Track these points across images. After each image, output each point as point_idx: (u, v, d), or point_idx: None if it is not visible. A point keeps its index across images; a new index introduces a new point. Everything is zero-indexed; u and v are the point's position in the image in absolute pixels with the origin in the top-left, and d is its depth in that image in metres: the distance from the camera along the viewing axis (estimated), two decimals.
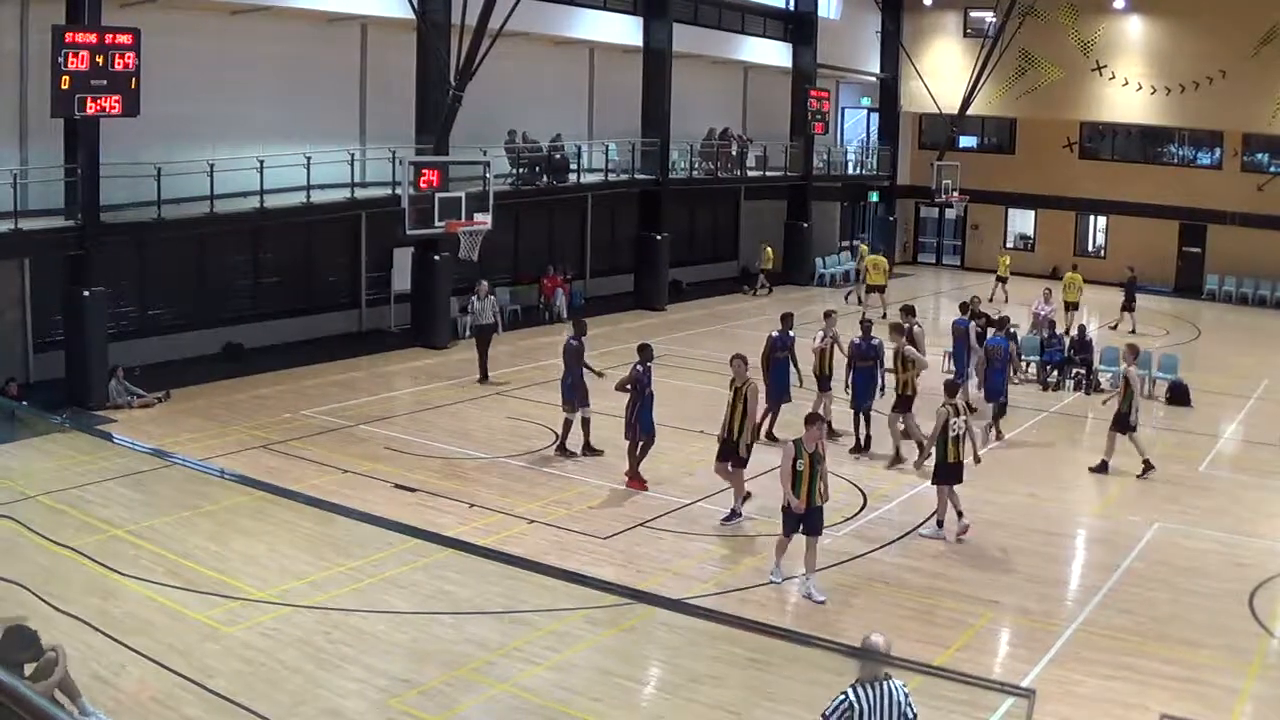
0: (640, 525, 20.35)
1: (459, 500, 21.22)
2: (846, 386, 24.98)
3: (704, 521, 20.69)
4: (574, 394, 24.01)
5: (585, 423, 24.10)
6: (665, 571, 18.38)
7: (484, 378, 30.89)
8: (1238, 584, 18.63)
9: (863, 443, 25.00)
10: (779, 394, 25.37)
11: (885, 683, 9.98)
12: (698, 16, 48.16)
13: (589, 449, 24.14)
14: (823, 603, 17.11)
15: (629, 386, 22.25)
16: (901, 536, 20.42)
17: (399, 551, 18.08)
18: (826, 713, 10.00)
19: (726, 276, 52.68)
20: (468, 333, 33.38)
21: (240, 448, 24.05)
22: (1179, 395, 31.21)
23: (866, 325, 25.81)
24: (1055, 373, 32.53)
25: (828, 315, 26.97)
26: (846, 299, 46.09)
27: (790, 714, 13.65)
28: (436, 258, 34.56)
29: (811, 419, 17.86)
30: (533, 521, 20.32)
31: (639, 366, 22.29)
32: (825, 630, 15.54)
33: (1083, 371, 32.27)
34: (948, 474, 20.23)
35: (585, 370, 24.41)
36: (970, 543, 19.76)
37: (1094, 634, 16.55)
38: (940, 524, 20.29)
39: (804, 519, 17.40)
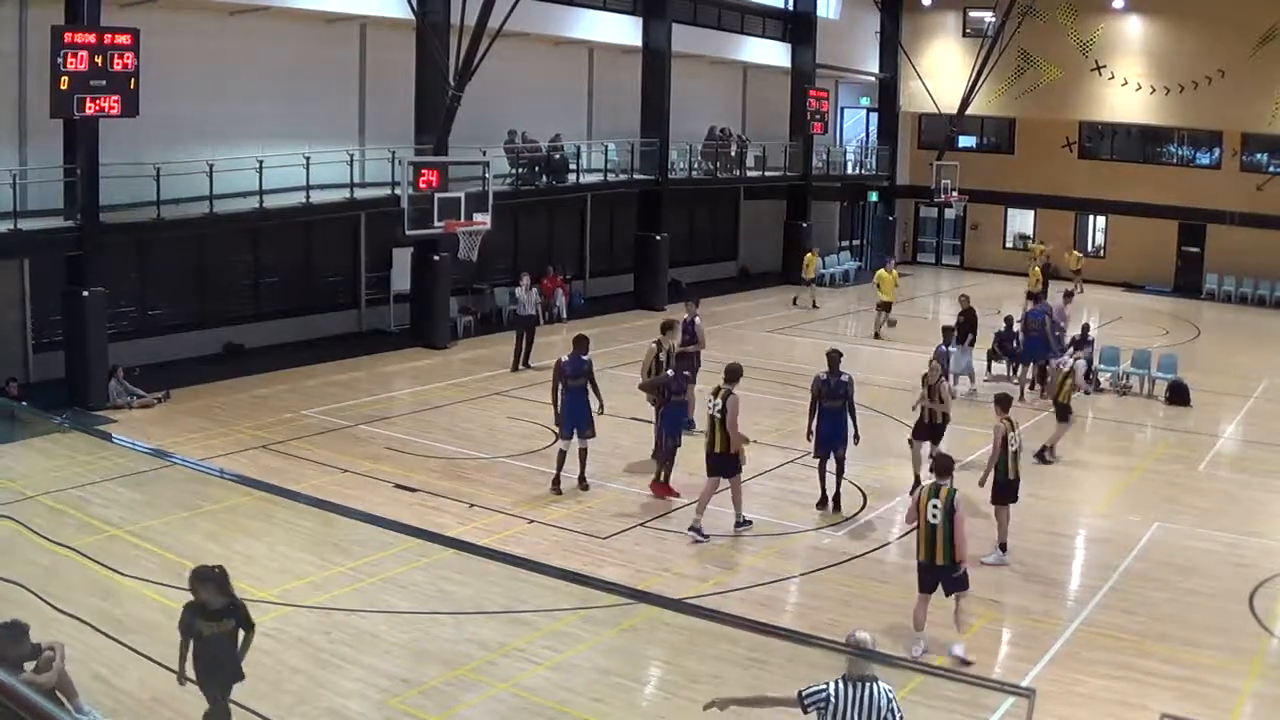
0: (640, 525, 20.38)
1: (459, 500, 21.25)
2: (809, 433, 21.33)
3: (705, 523, 20.63)
4: (568, 420, 22.04)
5: (582, 453, 22.19)
6: (665, 572, 18.41)
7: (518, 366, 32.06)
8: (1238, 584, 18.68)
9: (830, 498, 21.47)
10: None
11: (872, 684, 9.90)
12: (697, 16, 48.18)
13: (583, 481, 22.28)
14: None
15: (664, 393, 22.29)
16: (902, 536, 20.42)
17: (399, 551, 18.09)
18: (803, 691, 10.03)
19: (726, 276, 52.74)
20: (509, 322, 34.23)
21: (240, 448, 24.06)
22: (1179, 395, 31.22)
23: (835, 358, 21.56)
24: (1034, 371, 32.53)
25: (667, 327, 25.29)
26: (798, 303, 46.09)
27: (790, 714, 13.60)
28: (436, 258, 34.56)
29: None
30: (533, 521, 20.34)
31: (668, 372, 22.53)
32: (825, 630, 15.52)
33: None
34: (1007, 492, 19.45)
35: (589, 394, 22.23)
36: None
37: (1094, 634, 16.58)
38: (1004, 548, 19.30)
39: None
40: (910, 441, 23.12)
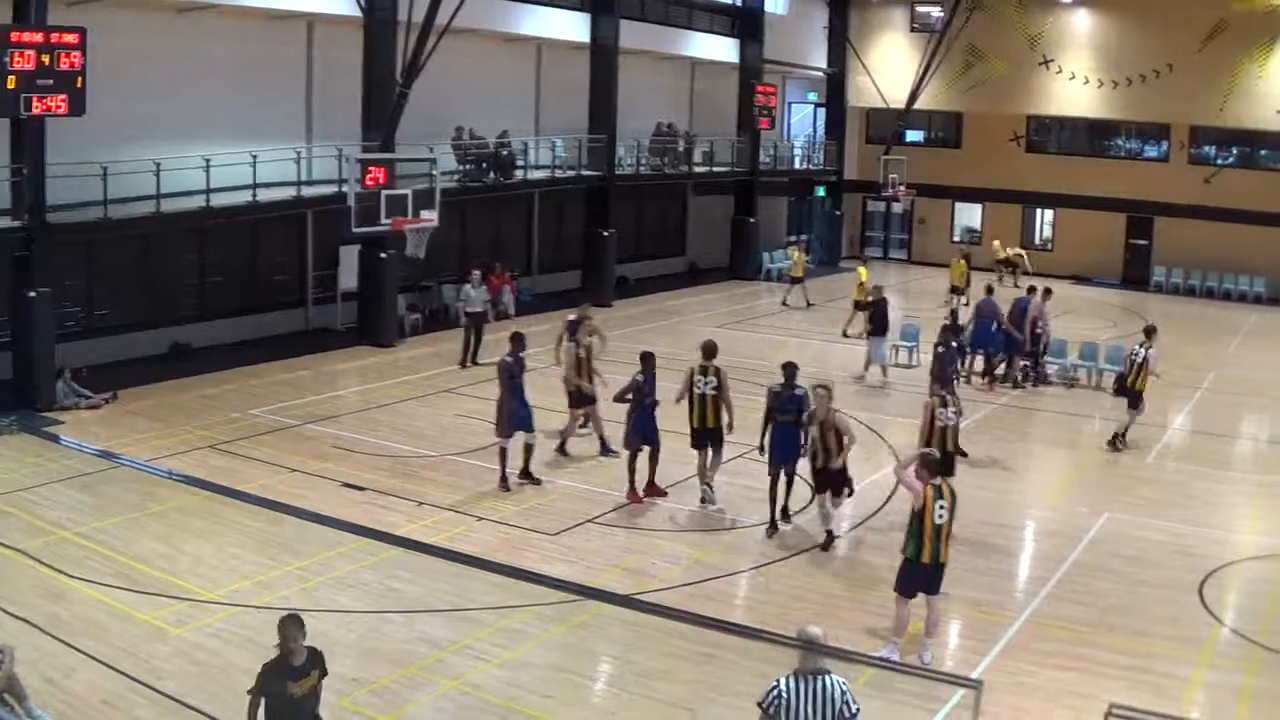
0: (590, 521, 20.42)
1: (408, 498, 21.25)
2: (761, 448, 20.36)
3: (653, 517, 20.77)
4: (508, 418, 22.14)
5: (528, 448, 22.39)
6: (615, 568, 18.46)
7: (466, 363, 32.25)
8: (1188, 574, 18.90)
9: (779, 515, 20.45)
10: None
11: (823, 677, 9.95)
12: (645, 13, 48.26)
13: (527, 475, 22.41)
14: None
15: (629, 396, 21.92)
16: (853, 529, 20.58)
17: (348, 550, 18.12)
18: (760, 701, 10.04)
19: (674, 272, 52.80)
20: (460, 318, 34.06)
21: (188, 448, 23.96)
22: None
23: (790, 371, 20.61)
24: (1003, 366, 32.75)
25: (581, 322, 25.51)
26: (787, 303, 46.14)
27: (741, 708, 13.68)
28: (383, 255, 34.51)
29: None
30: (482, 519, 20.36)
31: (638, 376, 22.01)
32: (776, 624, 15.59)
33: (1029, 365, 32.45)
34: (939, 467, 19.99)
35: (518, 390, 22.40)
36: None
37: (1045, 625, 16.77)
38: None
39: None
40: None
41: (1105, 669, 15.34)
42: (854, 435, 19.84)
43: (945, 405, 20.79)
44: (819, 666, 9.98)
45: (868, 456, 24.29)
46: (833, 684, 9.95)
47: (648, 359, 22.17)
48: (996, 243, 54.19)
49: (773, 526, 20.30)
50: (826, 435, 19.44)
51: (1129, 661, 15.61)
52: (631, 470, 21.78)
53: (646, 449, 21.83)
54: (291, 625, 10.65)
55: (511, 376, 22.02)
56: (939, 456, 16.27)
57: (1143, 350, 26.12)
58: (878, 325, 32.54)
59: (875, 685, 13.72)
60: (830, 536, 19.66)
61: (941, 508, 15.09)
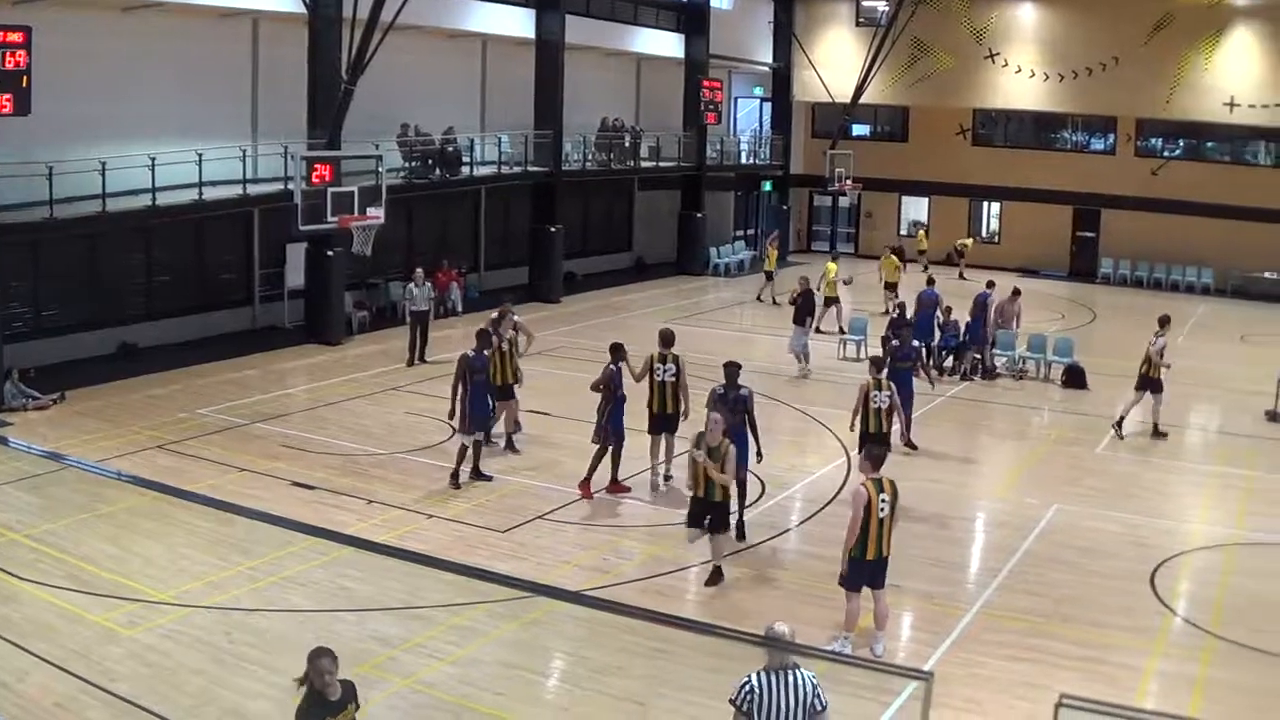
0: (540, 518, 20.49)
1: (358, 497, 21.24)
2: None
3: (604, 513, 20.85)
4: (469, 414, 22.15)
5: (477, 445, 22.40)
6: (566, 564, 18.53)
7: (413, 361, 32.19)
8: (1139, 564, 19.13)
9: (734, 526, 19.30)
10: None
11: (793, 671, 10.08)
12: (590, 8, 48.32)
13: (478, 474, 22.46)
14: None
15: (601, 387, 21.98)
16: (803, 522, 20.72)
17: (298, 550, 18.09)
18: (733, 698, 10.13)
19: (621, 268, 52.86)
20: (405, 317, 34.00)
21: (136, 448, 23.87)
22: (1075, 378, 31.86)
23: (733, 371, 20.19)
24: (950, 358, 33.00)
25: (503, 317, 25.49)
26: (762, 299, 46.10)
27: (694, 702, 13.83)
28: (330, 253, 34.44)
29: None
30: (432, 516, 20.38)
31: (612, 366, 22.08)
32: (728, 619, 15.70)
33: (978, 357, 32.69)
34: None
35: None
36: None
37: (997, 616, 16.94)
38: None
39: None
40: None
41: (1058, 659, 15.50)
42: (733, 474, 17.91)
43: (880, 388, 21.58)
44: (789, 661, 10.09)
45: (818, 448, 24.47)
46: (803, 678, 10.10)
47: (618, 349, 22.38)
48: (921, 235, 55.25)
49: (740, 532, 19.58)
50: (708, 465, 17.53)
51: (1082, 652, 15.78)
52: (596, 465, 21.88)
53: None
54: (324, 659, 9.83)
55: (473, 372, 22.09)
56: (880, 450, 16.35)
57: (1159, 340, 26.94)
58: (799, 316, 32.72)
59: (828, 679, 13.66)
60: (717, 573, 18.05)
61: (884, 502, 15.25)
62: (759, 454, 20.14)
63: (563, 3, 44.25)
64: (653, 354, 21.98)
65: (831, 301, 38.79)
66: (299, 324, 36.16)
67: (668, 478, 22.50)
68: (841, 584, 15.72)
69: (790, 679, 10.05)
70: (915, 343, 29.62)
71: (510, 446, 24.41)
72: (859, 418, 21.64)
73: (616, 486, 22.00)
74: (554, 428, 25.67)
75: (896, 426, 23.23)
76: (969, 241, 54.80)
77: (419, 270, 33.81)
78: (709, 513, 17.62)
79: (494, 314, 25.78)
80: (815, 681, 10.16)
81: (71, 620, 15.67)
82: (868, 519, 15.18)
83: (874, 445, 16.63)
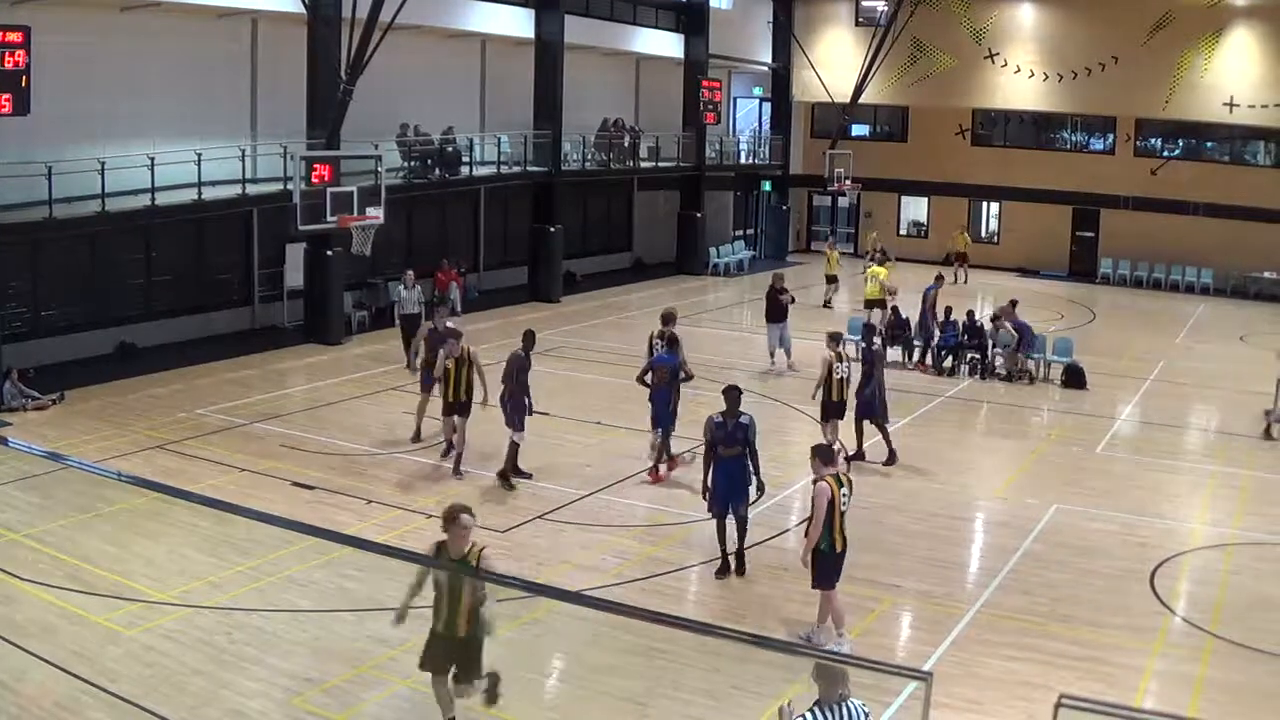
0: (539, 518, 20.49)
1: (357, 497, 21.26)
2: (705, 489, 18.33)
3: (604, 513, 20.85)
4: (514, 414, 22.26)
5: (514, 446, 22.32)
6: (565, 564, 18.53)
7: (412, 364, 31.25)
8: (1138, 564, 19.14)
9: (731, 555, 18.37)
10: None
11: (846, 704, 9.89)
12: (590, 8, 48.34)
13: (517, 472, 22.42)
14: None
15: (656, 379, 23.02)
16: (801, 523, 20.66)
17: (298, 550, 18.09)
18: None
19: (621, 268, 52.87)
20: (396, 321, 33.62)
21: (136, 448, 23.87)
22: (1075, 378, 31.82)
23: (733, 397, 18.46)
24: (950, 358, 33.01)
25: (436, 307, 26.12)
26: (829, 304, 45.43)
27: (694, 702, 13.84)
28: (329, 253, 34.43)
29: None
30: (431, 516, 20.30)
31: (667, 357, 23.31)
32: (727, 620, 15.74)
33: (977, 357, 32.71)
34: (832, 411, 23.52)
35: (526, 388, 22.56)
36: (883, 524, 19.93)
37: (996, 616, 16.93)
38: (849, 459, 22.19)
39: None
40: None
41: (1057, 659, 15.51)
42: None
43: (841, 360, 23.42)
44: (841, 694, 9.90)
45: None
46: (855, 709, 9.92)
47: (674, 341, 23.97)
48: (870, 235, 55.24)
49: (724, 567, 18.33)
50: None
51: (1081, 652, 15.79)
52: (665, 450, 22.96)
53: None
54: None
55: (521, 371, 22.33)
56: (827, 446, 16.45)
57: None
58: (770, 313, 32.77)
59: None
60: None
61: (845, 496, 15.45)
62: (760, 487, 18.47)
63: (562, 3, 44.27)
64: (653, 332, 23.97)
65: (874, 304, 36.85)
66: (298, 324, 36.16)
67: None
68: (816, 586, 15.76)
69: (843, 712, 9.85)
70: (916, 342, 29.73)
71: (456, 470, 23.03)
72: (821, 389, 23.57)
73: (672, 463, 23.10)
74: (554, 428, 25.65)
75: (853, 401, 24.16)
76: (964, 236, 54.39)
77: (409, 273, 33.03)
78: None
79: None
80: (866, 711, 10.01)
81: (72, 620, 15.67)
82: (831, 514, 15.29)
83: (820, 445, 16.43)
